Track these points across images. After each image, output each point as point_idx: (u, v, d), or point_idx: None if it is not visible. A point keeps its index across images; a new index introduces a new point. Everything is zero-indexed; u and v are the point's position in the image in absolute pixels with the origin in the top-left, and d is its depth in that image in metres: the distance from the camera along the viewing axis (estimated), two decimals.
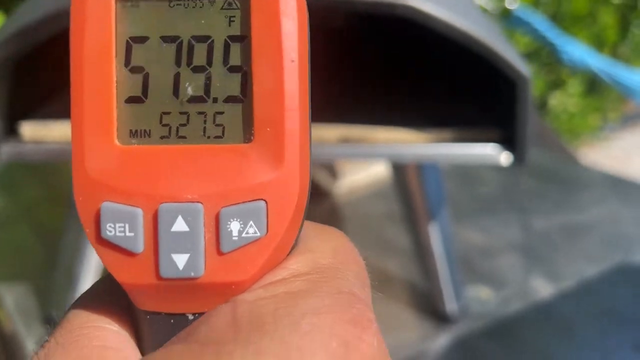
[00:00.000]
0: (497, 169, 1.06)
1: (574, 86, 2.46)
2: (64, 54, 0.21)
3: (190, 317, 0.20)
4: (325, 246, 0.21)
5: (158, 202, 0.19)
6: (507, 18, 1.64)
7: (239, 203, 0.19)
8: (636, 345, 0.66)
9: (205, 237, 0.19)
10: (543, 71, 2.55)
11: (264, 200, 0.20)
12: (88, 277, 0.65)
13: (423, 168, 0.64)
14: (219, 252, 0.20)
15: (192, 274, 0.19)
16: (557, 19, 2.25)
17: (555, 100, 2.48)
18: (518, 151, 0.57)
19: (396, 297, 0.72)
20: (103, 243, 0.20)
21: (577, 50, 1.68)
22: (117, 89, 0.20)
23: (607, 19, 2.47)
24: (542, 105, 2.33)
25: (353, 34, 0.65)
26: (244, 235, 0.19)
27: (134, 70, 0.20)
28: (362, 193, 0.94)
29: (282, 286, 0.19)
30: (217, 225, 0.19)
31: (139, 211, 0.19)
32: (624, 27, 2.43)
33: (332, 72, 0.62)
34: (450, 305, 0.68)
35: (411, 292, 0.73)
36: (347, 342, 0.18)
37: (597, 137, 2.53)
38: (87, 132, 0.20)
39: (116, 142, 0.20)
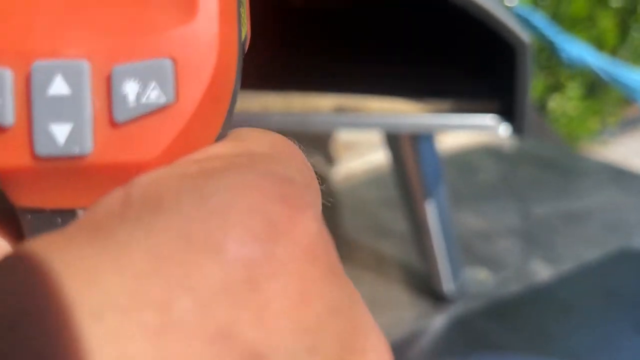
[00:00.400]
0: (495, 157, 1.05)
1: (573, 89, 2.45)
2: None
3: (81, 213, 0.16)
4: (263, 137, 0.16)
5: (31, 59, 0.15)
6: None
7: (137, 60, 0.15)
8: (636, 326, 0.65)
9: (93, 104, 0.15)
10: (542, 74, 2.54)
11: (171, 58, 0.15)
12: None
13: (419, 143, 0.63)
14: (112, 123, 0.15)
15: (77, 150, 0.15)
16: (556, 21, 2.24)
17: (554, 103, 2.48)
18: (517, 121, 0.55)
19: (392, 277, 0.71)
20: None
21: (576, 49, 1.68)
22: None
23: (606, 22, 2.47)
24: (541, 108, 2.33)
25: (346, 3, 0.64)
26: (144, 101, 0.15)
27: None
28: (359, 180, 0.93)
29: (196, 165, 0.15)
30: (109, 89, 0.15)
31: (7, 72, 0.15)
32: (624, 31, 2.43)
33: (325, 41, 0.61)
34: (448, 285, 0.66)
35: (408, 272, 0.72)
36: (273, 221, 0.13)
37: (597, 141, 2.52)
38: None
39: None
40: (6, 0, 0.16)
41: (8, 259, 0.13)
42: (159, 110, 0.15)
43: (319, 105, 0.55)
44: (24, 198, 0.16)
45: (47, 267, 0.12)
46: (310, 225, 0.14)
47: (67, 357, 0.11)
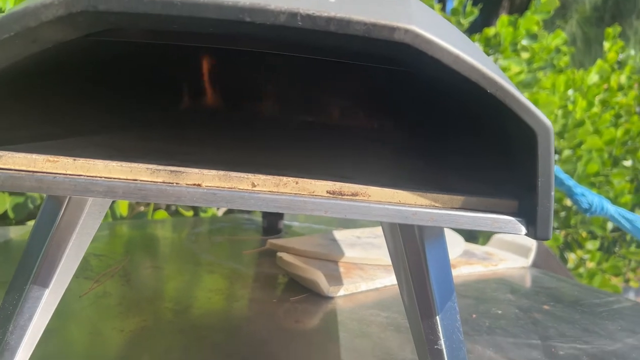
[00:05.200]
0: (510, 289, 0.93)
1: (592, 246, 2.34)
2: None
3: None
4: None
5: None
6: None
7: None
8: None
9: None
10: (561, 232, 2.45)
11: None
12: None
13: (428, 247, 0.53)
14: None
15: None
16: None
17: (572, 260, 2.36)
18: (539, 222, 0.46)
19: None
20: None
21: (595, 197, 1.60)
22: None
23: (622, 183, 2.41)
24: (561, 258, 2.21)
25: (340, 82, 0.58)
26: None
27: None
28: (363, 300, 0.82)
29: None
30: None
31: None
32: (638, 189, 2.36)
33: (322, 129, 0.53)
34: None
35: None
36: None
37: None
38: None
39: None
40: None
41: None
42: None
43: (314, 189, 0.46)
44: None
45: None
46: None
47: None
